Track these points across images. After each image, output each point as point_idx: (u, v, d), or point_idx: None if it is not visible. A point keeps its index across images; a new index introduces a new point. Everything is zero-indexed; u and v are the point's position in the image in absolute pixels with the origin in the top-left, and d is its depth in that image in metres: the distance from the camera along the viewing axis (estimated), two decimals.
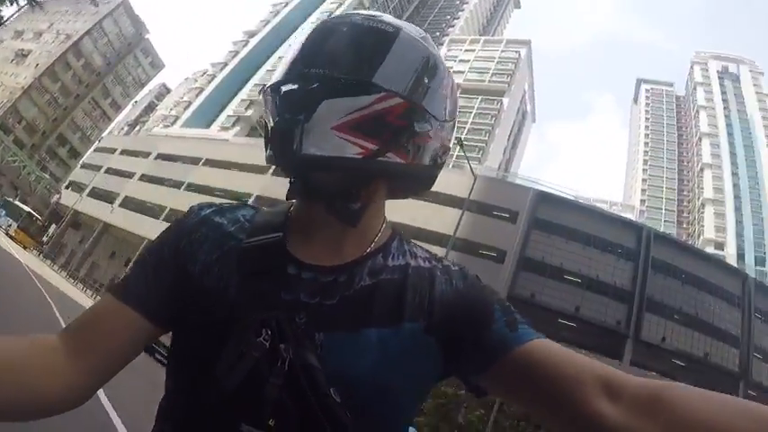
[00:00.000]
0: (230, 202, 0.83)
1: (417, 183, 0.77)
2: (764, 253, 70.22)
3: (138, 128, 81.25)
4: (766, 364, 32.29)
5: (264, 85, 0.70)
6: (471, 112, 76.48)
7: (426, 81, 0.69)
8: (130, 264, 0.98)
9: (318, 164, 0.65)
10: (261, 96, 0.72)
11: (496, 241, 31.39)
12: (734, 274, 35.61)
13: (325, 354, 0.65)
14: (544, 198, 33.38)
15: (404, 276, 0.72)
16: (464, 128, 71.69)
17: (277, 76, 0.69)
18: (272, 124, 0.68)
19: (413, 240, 0.80)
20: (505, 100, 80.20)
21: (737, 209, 75.42)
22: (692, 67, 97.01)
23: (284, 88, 0.67)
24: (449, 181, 22.94)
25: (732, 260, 65.65)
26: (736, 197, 76.55)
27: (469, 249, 29.84)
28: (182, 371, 0.72)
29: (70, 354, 0.66)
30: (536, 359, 0.66)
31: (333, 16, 0.73)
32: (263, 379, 0.62)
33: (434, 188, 0.84)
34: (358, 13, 0.72)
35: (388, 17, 0.71)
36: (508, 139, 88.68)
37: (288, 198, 0.73)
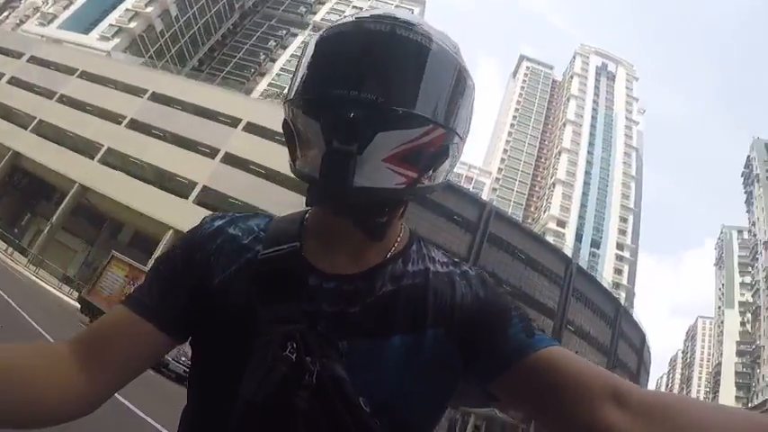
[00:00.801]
0: (243, 212, 0.82)
1: (431, 192, 0.73)
2: (600, 237, 77.92)
3: (6, 13, 66.25)
4: (574, 335, 36.61)
5: (295, 91, 0.68)
6: None
7: (459, 105, 0.69)
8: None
9: (367, 195, 0.64)
10: (287, 102, 0.69)
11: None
12: (561, 257, 39.34)
13: (349, 362, 0.66)
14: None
15: (425, 282, 0.73)
16: None
17: (314, 88, 0.66)
18: (316, 141, 0.65)
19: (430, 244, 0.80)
20: None
21: (585, 194, 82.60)
22: (574, 58, 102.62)
23: (332, 110, 0.64)
24: None
25: (570, 238, 71.91)
26: (586, 183, 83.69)
27: None
28: (206, 383, 0.72)
29: (79, 363, 0.66)
30: (550, 365, 0.66)
31: (367, 17, 0.68)
32: (291, 392, 0.63)
33: None
34: (392, 17, 0.67)
35: (426, 26, 0.68)
36: None
37: (309, 205, 0.70)
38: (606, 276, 69.47)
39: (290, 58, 67.96)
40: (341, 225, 0.70)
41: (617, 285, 73.84)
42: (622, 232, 79.08)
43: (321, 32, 0.69)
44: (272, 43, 72.91)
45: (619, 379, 0.65)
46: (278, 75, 66.87)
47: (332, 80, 0.64)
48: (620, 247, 77.94)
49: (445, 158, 0.69)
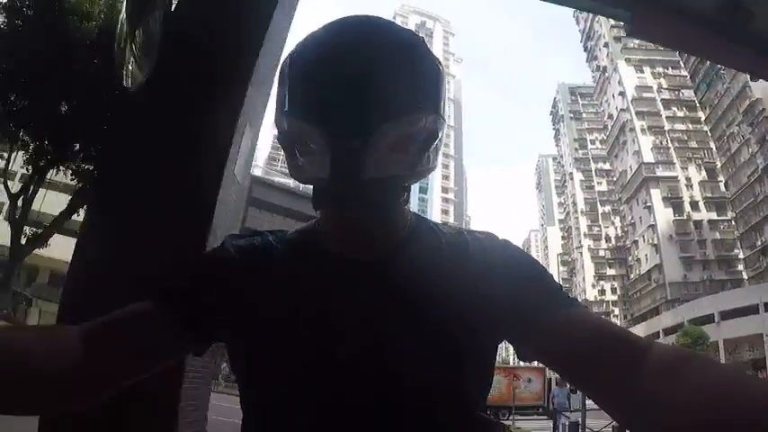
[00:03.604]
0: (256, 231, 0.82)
1: (421, 177, 0.76)
2: (426, 184, 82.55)
3: None
4: None
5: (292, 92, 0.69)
6: None
7: (440, 89, 0.72)
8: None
9: (377, 185, 0.67)
10: (282, 115, 0.70)
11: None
12: None
13: (393, 349, 0.67)
14: (257, 181, 34.45)
15: (441, 253, 0.75)
16: None
17: (314, 88, 0.67)
18: (319, 146, 0.67)
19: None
20: None
21: None
22: (394, 18, 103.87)
23: (331, 111, 0.66)
24: None
25: None
26: None
27: None
28: (266, 400, 0.71)
29: (88, 350, 0.64)
30: (575, 326, 0.68)
31: (348, 18, 0.71)
32: (355, 394, 0.66)
33: None
34: (365, 19, 0.71)
35: (394, 23, 0.74)
36: None
37: (317, 208, 0.72)
38: (435, 217, 74.67)
39: None
40: (354, 219, 0.71)
41: (445, 222, 79.54)
42: (446, 177, 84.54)
43: (297, 45, 0.71)
44: None
45: (635, 338, 0.65)
46: None
47: (324, 85, 0.65)
48: (444, 190, 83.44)
49: (436, 140, 0.71)
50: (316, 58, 0.68)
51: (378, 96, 0.65)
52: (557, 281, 0.75)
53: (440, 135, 0.72)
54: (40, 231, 13.59)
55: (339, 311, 0.69)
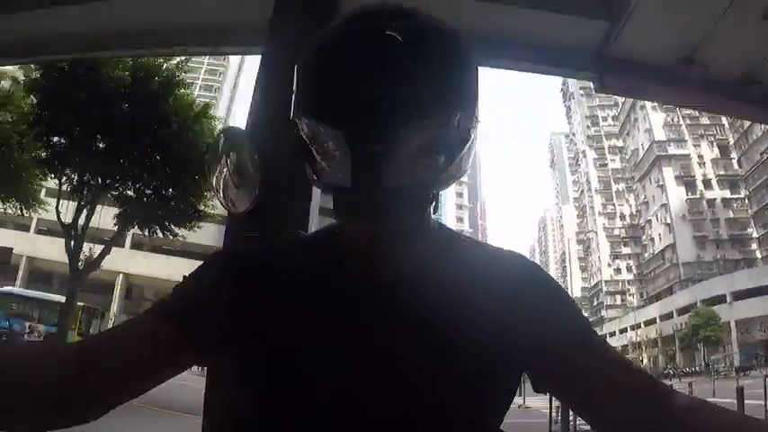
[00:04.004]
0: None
1: (453, 181, 0.70)
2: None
3: None
4: None
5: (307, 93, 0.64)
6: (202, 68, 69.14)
7: (472, 88, 0.66)
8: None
9: (402, 194, 0.62)
10: (299, 117, 0.64)
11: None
12: None
13: (412, 374, 0.65)
14: None
15: (466, 274, 0.71)
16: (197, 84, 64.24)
17: (328, 95, 0.62)
18: (339, 151, 0.61)
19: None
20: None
21: None
22: None
23: (352, 113, 0.60)
24: None
25: None
26: None
27: None
28: (270, 416, 0.68)
29: (87, 366, 0.61)
30: (596, 360, 0.66)
31: (370, 6, 0.65)
32: (370, 418, 0.64)
33: None
34: (392, 9, 0.64)
35: (428, 14, 0.65)
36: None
37: (339, 218, 0.68)
38: (449, 199, 75.45)
39: None
40: (375, 232, 0.68)
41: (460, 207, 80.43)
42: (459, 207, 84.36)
43: (317, 39, 0.64)
44: None
45: (655, 379, 0.66)
46: None
47: (345, 83, 0.60)
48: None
49: (467, 144, 0.65)
50: (333, 50, 0.63)
51: (403, 95, 0.59)
52: (581, 310, 0.72)
53: (473, 136, 0.66)
54: (94, 257, 15.12)
55: (353, 336, 0.66)
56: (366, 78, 0.59)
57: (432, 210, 0.70)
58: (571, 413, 9.58)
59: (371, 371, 0.64)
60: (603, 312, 73.97)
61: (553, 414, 10.01)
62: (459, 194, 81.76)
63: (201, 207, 13.65)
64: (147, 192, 13.45)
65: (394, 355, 0.65)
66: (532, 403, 12.25)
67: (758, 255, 48.35)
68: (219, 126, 13.30)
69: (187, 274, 0.74)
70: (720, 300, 38.73)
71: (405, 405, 0.63)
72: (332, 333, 0.66)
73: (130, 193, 13.88)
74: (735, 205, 52.92)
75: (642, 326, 51.69)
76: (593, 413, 0.67)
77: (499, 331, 0.67)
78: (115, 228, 15.27)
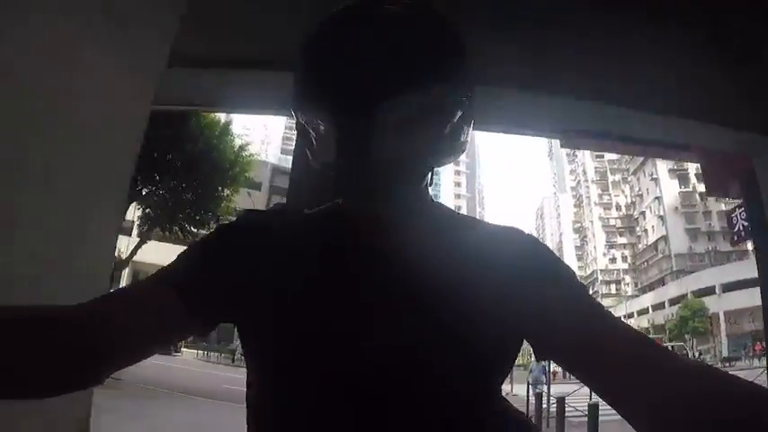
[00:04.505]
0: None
1: (451, 156, 0.71)
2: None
3: None
4: None
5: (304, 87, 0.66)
6: None
7: (462, 62, 0.67)
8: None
9: (392, 167, 0.63)
10: (297, 102, 0.67)
11: (248, 206, 34.22)
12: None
13: (410, 338, 0.64)
14: (276, 170, 38.43)
15: (464, 244, 0.71)
16: None
17: (316, 62, 0.64)
18: (329, 128, 0.63)
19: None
20: None
21: None
22: None
23: (341, 92, 0.61)
24: None
25: None
26: None
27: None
28: (274, 384, 0.67)
29: (92, 328, 0.60)
30: (598, 328, 0.63)
31: (349, 6, 0.66)
32: (369, 381, 0.64)
33: None
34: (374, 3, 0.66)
35: None
36: None
37: (336, 196, 0.68)
38: (447, 187, 76.34)
39: None
40: (371, 205, 0.67)
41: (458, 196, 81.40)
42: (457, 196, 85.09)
43: (308, 33, 0.66)
44: None
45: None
46: None
47: (329, 63, 0.62)
48: (456, 162, 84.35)
49: (460, 117, 0.67)
50: (318, 30, 0.65)
51: (388, 66, 0.59)
52: (581, 280, 0.70)
53: (463, 111, 0.67)
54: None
55: (353, 300, 0.66)
56: (349, 55, 0.61)
57: (427, 183, 0.70)
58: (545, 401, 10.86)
59: (372, 340, 0.63)
60: (599, 301, 75.08)
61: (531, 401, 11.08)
62: (458, 184, 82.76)
63: (219, 213, 14.59)
64: (169, 196, 14.16)
65: (394, 325, 0.64)
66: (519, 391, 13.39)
67: (749, 247, 49.34)
68: (238, 142, 14.03)
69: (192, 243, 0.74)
70: (710, 291, 39.80)
71: (406, 373, 0.63)
72: (331, 302, 0.65)
73: (155, 198, 14.73)
74: (727, 198, 53.85)
75: (635, 315, 53.06)
76: (594, 380, 0.61)
77: (498, 300, 0.65)
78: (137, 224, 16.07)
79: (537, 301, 0.65)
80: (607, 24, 2.99)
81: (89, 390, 0.66)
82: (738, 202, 3.79)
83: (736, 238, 3.77)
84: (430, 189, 0.73)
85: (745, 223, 3.56)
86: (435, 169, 0.71)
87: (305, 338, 0.65)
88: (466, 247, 0.70)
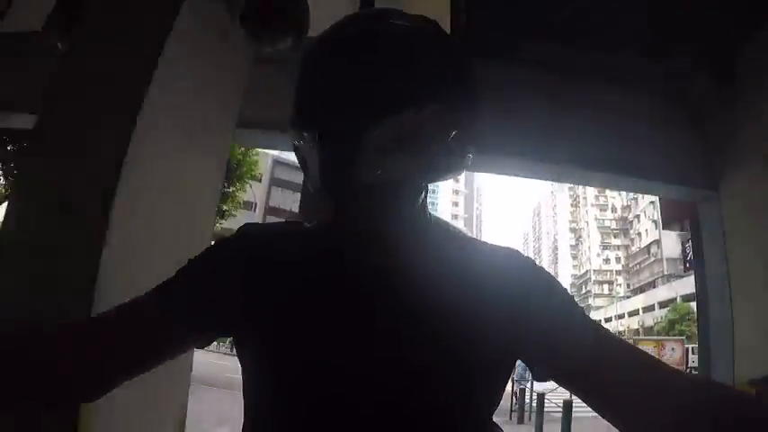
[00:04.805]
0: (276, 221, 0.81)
1: (447, 174, 0.69)
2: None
3: None
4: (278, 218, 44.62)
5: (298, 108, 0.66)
6: None
7: (450, 77, 0.65)
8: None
9: (376, 190, 0.64)
10: (290, 127, 0.67)
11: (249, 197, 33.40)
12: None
13: (402, 355, 0.64)
14: (277, 162, 38.18)
15: (461, 262, 0.70)
16: None
17: (303, 103, 0.65)
18: (316, 153, 0.64)
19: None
20: None
21: None
22: None
23: (324, 117, 0.62)
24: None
25: None
26: None
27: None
28: (267, 399, 0.67)
29: (93, 344, 0.62)
30: (596, 349, 0.63)
31: (340, 23, 0.67)
32: (359, 399, 0.64)
33: None
34: (362, 15, 0.69)
35: (399, 12, 0.67)
36: None
37: (333, 217, 0.70)
38: (444, 188, 76.87)
39: None
40: (364, 224, 0.69)
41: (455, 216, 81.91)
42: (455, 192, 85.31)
43: (304, 55, 0.67)
44: None
45: (661, 363, 0.62)
46: None
47: (316, 90, 0.63)
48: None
49: (456, 135, 0.64)
50: (306, 53, 0.65)
51: (370, 90, 0.60)
52: (578, 303, 0.69)
53: (462, 124, 0.64)
54: None
55: (345, 316, 0.65)
56: (333, 80, 0.61)
57: (424, 200, 0.71)
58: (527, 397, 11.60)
59: (365, 357, 0.63)
60: (591, 301, 76.21)
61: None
62: (456, 180, 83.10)
63: (225, 207, 15.09)
64: None
65: (387, 343, 0.63)
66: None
67: None
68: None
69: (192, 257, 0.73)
70: None
71: (392, 388, 0.62)
72: (325, 317, 0.65)
73: None
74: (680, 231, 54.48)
75: (626, 316, 53.91)
76: (596, 399, 0.62)
77: (498, 324, 0.65)
78: None
79: (537, 325, 0.65)
80: (595, 101, 3.62)
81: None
82: (689, 236, 4.41)
83: (687, 265, 4.41)
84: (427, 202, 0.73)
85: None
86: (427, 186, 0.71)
87: (298, 356, 0.64)
88: (464, 268, 0.69)
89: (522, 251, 0.75)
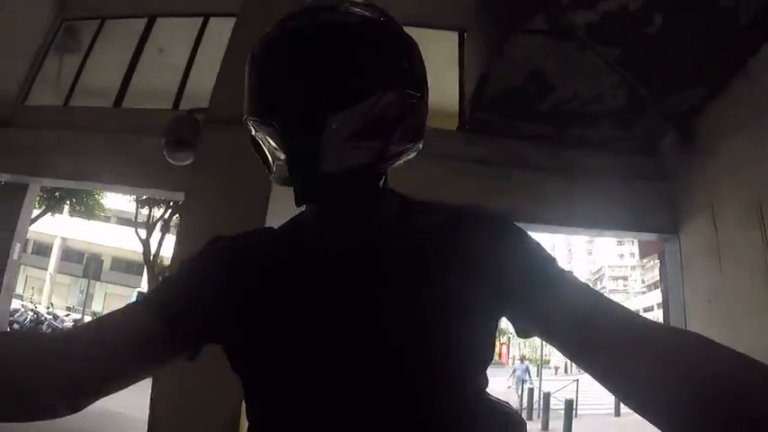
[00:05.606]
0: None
1: (404, 157, 0.73)
2: None
3: None
4: None
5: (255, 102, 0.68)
6: None
7: (402, 64, 0.69)
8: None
9: (339, 179, 0.64)
10: (245, 119, 0.69)
11: None
12: None
13: (385, 331, 0.65)
14: None
15: (431, 232, 0.71)
16: None
17: (259, 96, 0.67)
18: (277, 145, 0.65)
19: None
20: None
21: None
22: None
23: (281, 109, 0.64)
24: None
25: None
26: None
27: None
28: (266, 396, 0.69)
29: (73, 356, 0.60)
30: (573, 301, 0.63)
31: (287, 17, 0.68)
32: (351, 381, 0.64)
33: None
34: (309, 9, 0.68)
35: (346, 4, 0.68)
36: None
37: (298, 205, 0.69)
38: None
39: None
40: (330, 212, 0.72)
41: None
42: None
43: (253, 48, 0.68)
44: None
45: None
46: None
47: (271, 83, 0.65)
48: None
49: (406, 119, 0.67)
50: (262, 52, 0.67)
51: (326, 84, 0.62)
52: (553, 255, 0.68)
53: (411, 111, 0.68)
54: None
55: (326, 302, 0.66)
56: (290, 74, 0.63)
57: (386, 180, 0.73)
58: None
59: (345, 334, 0.64)
60: (569, 271, 75.51)
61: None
62: None
63: None
64: None
65: (365, 316, 0.64)
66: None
67: None
68: None
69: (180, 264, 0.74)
70: None
71: (380, 365, 0.63)
72: (304, 315, 0.66)
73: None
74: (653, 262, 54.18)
75: (641, 312, 53.45)
76: (577, 355, 0.61)
77: (471, 283, 0.66)
78: None
79: (514, 281, 0.65)
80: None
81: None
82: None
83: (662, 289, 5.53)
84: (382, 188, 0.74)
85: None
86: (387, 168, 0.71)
87: (281, 353, 0.66)
88: (425, 235, 0.70)
89: (483, 207, 0.75)
